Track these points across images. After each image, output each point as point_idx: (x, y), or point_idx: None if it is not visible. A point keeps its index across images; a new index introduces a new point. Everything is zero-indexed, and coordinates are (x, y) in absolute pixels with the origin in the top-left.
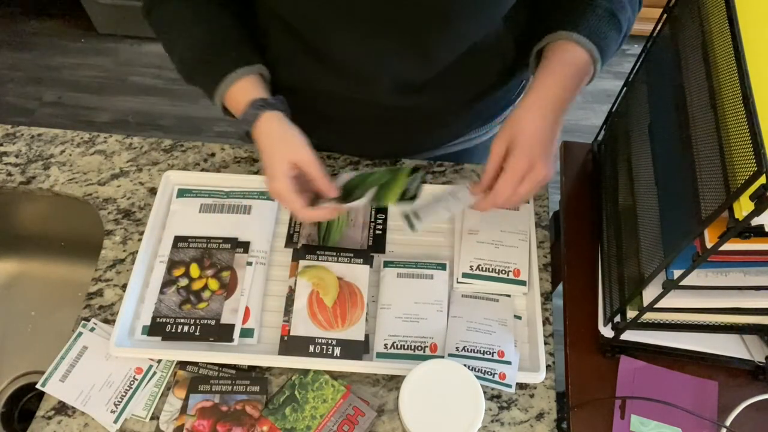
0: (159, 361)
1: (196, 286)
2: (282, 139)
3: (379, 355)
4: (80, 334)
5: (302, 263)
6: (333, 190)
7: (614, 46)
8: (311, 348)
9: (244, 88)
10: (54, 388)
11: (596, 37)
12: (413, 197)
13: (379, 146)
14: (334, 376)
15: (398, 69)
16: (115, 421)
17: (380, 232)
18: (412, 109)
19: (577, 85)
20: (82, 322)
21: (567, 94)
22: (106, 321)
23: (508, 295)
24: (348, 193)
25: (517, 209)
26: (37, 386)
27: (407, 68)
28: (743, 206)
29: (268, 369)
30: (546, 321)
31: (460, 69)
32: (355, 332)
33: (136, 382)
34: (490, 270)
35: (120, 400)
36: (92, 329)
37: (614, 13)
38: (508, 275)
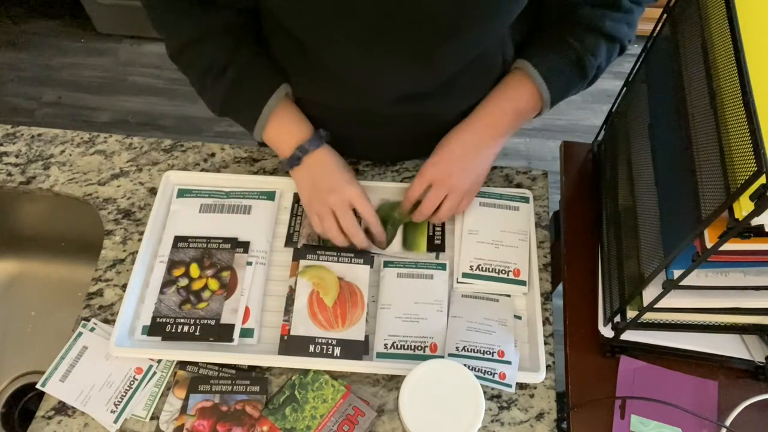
0: (159, 361)
1: (196, 286)
2: (344, 162)
3: (379, 355)
4: (80, 334)
5: (303, 263)
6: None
7: (572, 87)
8: (311, 348)
9: (281, 117)
10: (54, 388)
11: (551, 78)
12: (441, 245)
13: (380, 151)
14: (334, 376)
15: (401, 79)
16: (115, 421)
17: None
18: (414, 117)
19: (516, 121)
20: (82, 322)
21: (502, 126)
22: (106, 321)
23: (508, 295)
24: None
25: (517, 209)
26: (37, 386)
27: (411, 79)
28: (743, 206)
29: (268, 369)
30: (546, 321)
31: (464, 77)
32: (355, 332)
33: (136, 382)
34: (490, 270)
35: (120, 400)
36: (92, 329)
37: (582, 59)
38: (508, 275)
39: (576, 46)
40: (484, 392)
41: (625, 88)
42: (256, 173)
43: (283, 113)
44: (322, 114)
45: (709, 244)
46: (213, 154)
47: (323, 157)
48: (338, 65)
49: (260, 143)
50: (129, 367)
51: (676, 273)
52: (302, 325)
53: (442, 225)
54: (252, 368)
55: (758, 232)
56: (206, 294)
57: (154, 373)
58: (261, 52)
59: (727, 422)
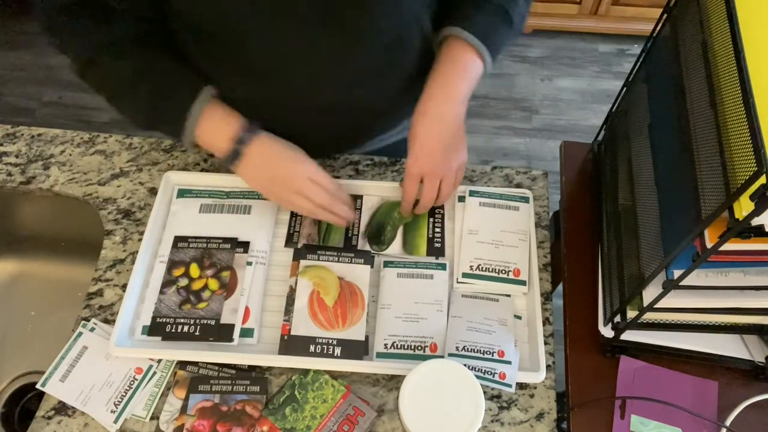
0: (159, 361)
1: (196, 286)
2: (290, 145)
3: (379, 355)
4: (80, 334)
5: (303, 263)
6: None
7: (505, 41)
8: (312, 348)
9: (210, 115)
10: (54, 388)
11: (487, 37)
12: (440, 248)
13: (323, 145)
14: (334, 376)
15: (321, 59)
16: (115, 421)
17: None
18: (344, 107)
19: (468, 85)
20: (82, 322)
21: (458, 95)
22: (106, 321)
23: (508, 295)
24: (376, 230)
25: (517, 209)
26: (37, 386)
27: (330, 59)
28: (743, 206)
29: (268, 369)
30: (546, 321)
31: (385, 59)
32: (355, 332)
33: (136, 382)
34: (490, 270)
35: (120, 400)
36: (92, 329)
37: (506, 9)
38: (508, 275)
39: (495, 0)
40: (484, 392)
41: (625, 88)
42: None
43: (212, 111)
44: (254, 115)
45: (709, 244)
46: (213, 154)
47: (267, 143)
48: (255, 53)
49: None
50: (129, 367)
51: (676, 273)
52: (302, 325)
53: (442, 227)
54: (252, 368)
55: (758, 232)
56: (206, 294)
57: (154, 373)
58: (174, 59)
59: (727, 422)
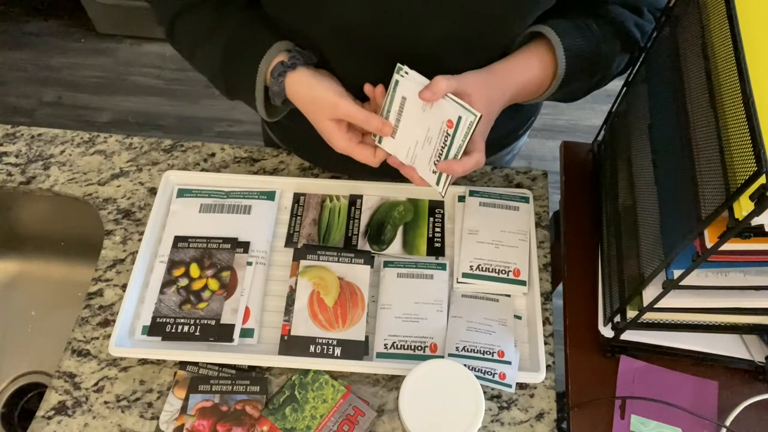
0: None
1: (196, 286)
2: (313, 101)
3: (379, 355)
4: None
5: (303, 263)
6: (385, 125)
7: (585, 81)
8: (312, 348)
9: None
10: None
11: (573, 58)
12: (440, 249)
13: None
14: (334, 376)
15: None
16: None
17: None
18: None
19: (520, 97)
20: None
21: (507, 99)
22: (106, 321)
23: (508, 295)
24: (376, 230)
25: (517, 209)
26: None
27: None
28: (743, 206)
29: (268, 369)
30: (546, 321)
31: (474, 32)
32: (355, 332)
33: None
34: (490, 270)
35: None
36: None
37: (599, 44)
38: (508, 275)
39: (596, 32)
40: (484, 392)
41: (625, 88)
42: (256, 173)
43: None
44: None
45: (709, 244)
46: (213, 154)
47: (296, 105)
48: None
49: (266, 142)
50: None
51: (676, 273)
52: (303, 325)
53: (442, 227)
54: (252, 368)
55: (758, 232)
56: (206, 294)
57: None
58: (252, 13)
59: (727, 422)
